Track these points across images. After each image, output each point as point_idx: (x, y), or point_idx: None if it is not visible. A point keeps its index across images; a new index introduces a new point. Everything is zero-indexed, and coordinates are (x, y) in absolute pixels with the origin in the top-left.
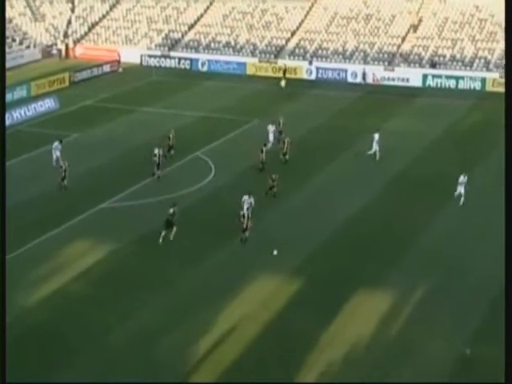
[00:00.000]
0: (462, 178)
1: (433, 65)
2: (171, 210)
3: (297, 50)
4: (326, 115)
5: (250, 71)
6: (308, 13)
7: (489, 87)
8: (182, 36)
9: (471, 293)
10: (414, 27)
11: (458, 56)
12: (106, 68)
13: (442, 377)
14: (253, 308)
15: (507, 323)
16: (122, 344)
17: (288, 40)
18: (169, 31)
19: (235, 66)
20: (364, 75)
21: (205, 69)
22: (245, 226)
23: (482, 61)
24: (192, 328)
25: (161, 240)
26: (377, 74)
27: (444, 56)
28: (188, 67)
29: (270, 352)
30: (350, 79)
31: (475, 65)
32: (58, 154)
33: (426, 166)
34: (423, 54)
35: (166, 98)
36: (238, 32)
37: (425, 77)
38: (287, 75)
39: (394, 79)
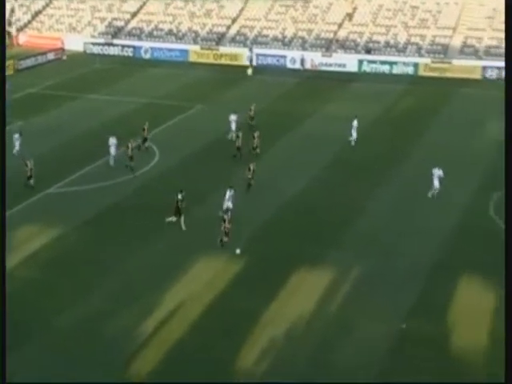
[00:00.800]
0: (437, 171)
1: (368, 51)
2: (179, 196)
3: (237, 37)
4: (266, 100)
5: (192, 58)
6: (248, 0)
7: (421, 72)
8: (125, 24)
9: (406, 272)
10: (350, 15)
11: (392, 42)
12: (50, 56)
13: (380, 352)
14: (197, 288)
15: (507, 323)
16: (71, 327)
17: (229, 27)
18: (112, 19)
19: (178, 53)
20: (302, 61)
21: (148, 56)
22: (226, 230)
23: (415, 47)
24: (139, 309)
25: (167, 221)
26: (315, 59)
27: (378, 42)
28: (131, 55)
29: (215, 330)
30: (289, 65)
31: (408, 50)
32: (18, 147)
33: (363, 150)
34: (359, 40)
35: (110, 85)
36: (179, 20)
37: (360, 62)
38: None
39: (331, 65)
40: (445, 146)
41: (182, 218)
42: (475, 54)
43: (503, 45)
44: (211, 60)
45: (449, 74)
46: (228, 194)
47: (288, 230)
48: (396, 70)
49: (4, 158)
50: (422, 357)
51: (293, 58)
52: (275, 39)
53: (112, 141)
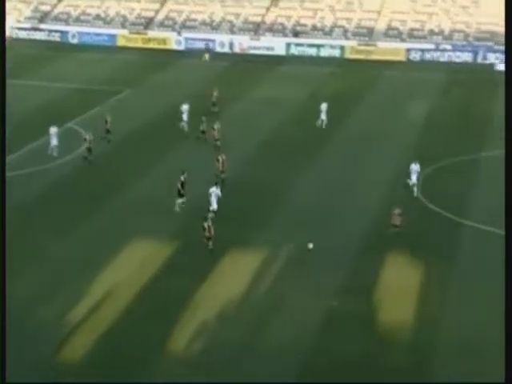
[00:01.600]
0: (414, 166)
1: (295, 34)
2: (182, 178)
3: (166, 22)
4: (196, 84)
5: (120, 43)
6: None
7: (347, 55)
8: (52, 8)
9: (336, 250)
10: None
11: (319, 25)
12: None
13: (311, 329)
14: (128, 273)
15: (507, 323)
16: None
17: (157, 12)
18: (38, 3)
19: (106, 37)
20: (231, 45)
21: (75, 41)
22: (209, 235)
23: (341, 30)
24: (69, 294)
25: (177, 208)
26: (243, 43)
27: (306, 25)
28: (58, 39)
29: (146, 314)
30: (218, 49)
31: (334, 34)
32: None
33: (292, 130)
34: (286, 23)
35: (38, 70)
36: (107, 4)
37: (288, 45)
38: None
39: (259, 48)
40: (370, 125)
41: (183, 200)
42: (399, 36)
43: (426, 27)
44: (140, 44)
45: (374, 57)
46: (214, 192)
47: (220, 211)
48: (323, 52)
49: (4, 157)
50: (351, 333)
51: (221, 41)
52: (203, 23)
53: (53, 130)
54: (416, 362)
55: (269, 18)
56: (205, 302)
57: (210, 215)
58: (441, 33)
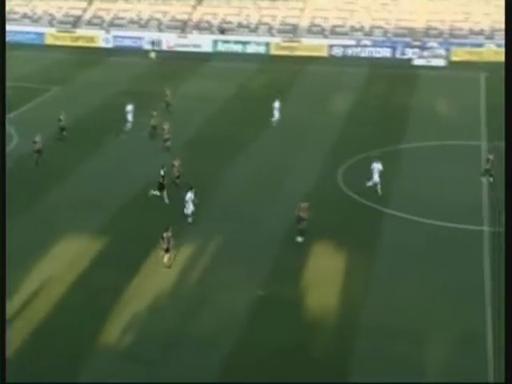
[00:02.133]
0: (375, 165)
1: (221, 31)
2: (162, 172)
3: (94, 20)
4: (124, 81)
5: (48, 41)
6: None
7: (272, 51)
8: None
9: (262, 240)
10: None
11: (245, 23)
12: None
13: (240, 318)
14: (60, 267)
15: (507, 323)
16: None
17: (85, 10)
18: None
19: (33, 36)
20: (159, 42)
21: None
22: (167, 246)
23: (266, 27)
24: None
25: (150, 193)
26: (170, 41)
27: (231, 23)
28: None
29: (79, 308)
30: (145, 46)
31: (260, 31)
32: None
33: (219, 126)
34: (213, 21)
35: None
36: (35, 3)
37: (215, 42)
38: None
39: (186, 45)
40: (295, 119)
41: (165, 193)
42: (322, 33)
43: (347, 24)
44: (68, 43)
45: (298, 53)
46: (189, 195)
47: (147, 207)
48: (249, 49)
49: (4, 157)
50: (280, 320)
51: (149, 39)
52: (131, 21)
53: None
54: (341, 347)
55: (195, 16)
56: (136, 295)
57: (189, 220)
58: (361, 29)
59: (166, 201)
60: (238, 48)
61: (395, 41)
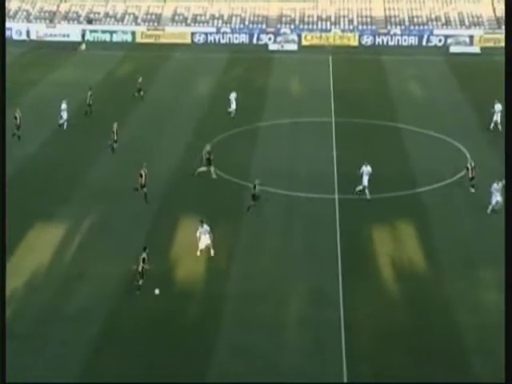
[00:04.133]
0: (365, 168)
1: (89, 21)
2: (208, 148)
3: None
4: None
5: None
6: None
7: (138, 39)
8: None
9: (132, 218)
10: None
11: (111, 13)
12: None
13: (114, 292)
14: None
15: (507, 323)
16: None
17: None
18: None
19: None
20: (28, 33)
21: None
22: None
23: (132, 16)
24: None
25: (198, 171)
26: (40, 31)
27: (99, 13)
28: None
29: None
30: (15, 37)
31: (126, 20)
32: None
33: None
34: (81, 12)
35: None
36: None
37: (83, 32)
38: None
39: (55, 35)
40: (162, 103)
41: (212, 169)
42: (185, 21)
43: (208, 13)
44: None
45: (163, 40)
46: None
47: (23, 187)
48: (116, 38)
49: (4, 157)
50: (152, 290)
51: (18, 30)
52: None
53: None
54: (209, 312)
55: (63, 8)
56: (14, 273)
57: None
58: (221, 18)
59: (214, 176)
60: (105, 37)
61: (252, 28)
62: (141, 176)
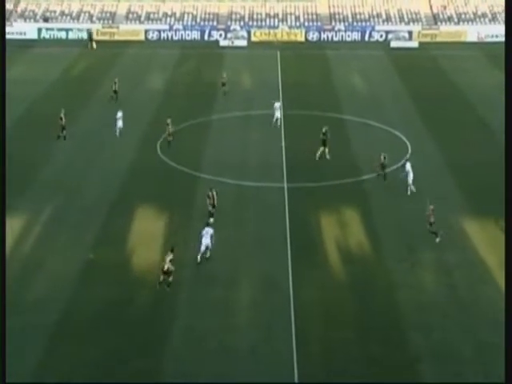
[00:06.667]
0: (407, 166)
1: (45, 19)
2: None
3: None
4: None
5: None
6: None
7: (94, 36)
8: None
9: (89, 209)
10: None
11: (67, 11)
12: None
13: (72, 282)
14: None
15: (507, 323)
16: None
17: None
18: None
19: None
20: None
21: None
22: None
23: (87, 14)
24: None
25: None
26: None
27: (55, 11)
28: None
29: None
30: None
31: (81, 18)
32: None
33: (45, 106)
34: (37, 10)
35: None
36: None
37: (39, 30)
38: None
39: (12, 33)
40: (120, 95)
41: (327, 149)
42: (138, 19)
43: (161, 10)
44: None
45: (117, 37)
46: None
47: None
48: (71, 35)
49: (4, 157)
50: (109, 279)
51: None
52: None
53: None
54: (164, 298)
55: (20, 6)
56: None
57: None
58: (173, 15)
59: (328, 157)
60: (61, 34)
61: (203, 25)
62: None
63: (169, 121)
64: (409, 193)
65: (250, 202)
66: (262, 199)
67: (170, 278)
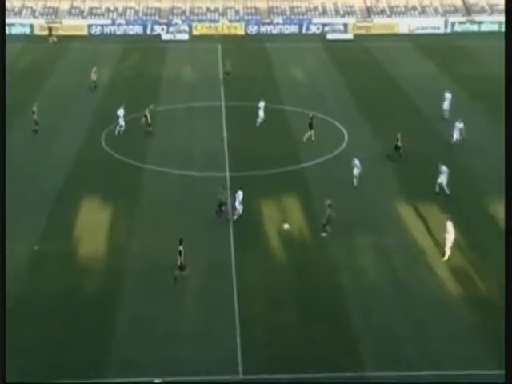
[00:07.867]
0: (444, 168)
1: None
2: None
3: None
4: None
5: None
6: None
7: (36, 31)
8: None
9: (35, 199)
10: None
11: (9, 6)
12: None
13: (22, 271)
14: None
15: (507, 323)
16: None
17: None
18: None
19: None
20: None
21: None
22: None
23: (29, 10)
24: None
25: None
26: None
27: None
28: None
29: None
30: None
31: (23, 13)
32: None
33: None
34: None
35: None
36: None
37: None
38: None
39: None
40: (62, 91)
41: (312, 132)
42: (81, 14)
43: (103, 6)
44: None
45: (61, 32)
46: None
47: None
48: (14, 30)
49: (4, 157)
50: (57, 272)
51: None
52: None
53: None
54: (111, 287)
55: None
56: None
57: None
58: (116, 10)
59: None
60: (7, 30)
61: (145, 19)
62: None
63: (147, 112)
64: (355, 184)
65: (193, 191)
66: (206, 187)
67: (185, 272)
